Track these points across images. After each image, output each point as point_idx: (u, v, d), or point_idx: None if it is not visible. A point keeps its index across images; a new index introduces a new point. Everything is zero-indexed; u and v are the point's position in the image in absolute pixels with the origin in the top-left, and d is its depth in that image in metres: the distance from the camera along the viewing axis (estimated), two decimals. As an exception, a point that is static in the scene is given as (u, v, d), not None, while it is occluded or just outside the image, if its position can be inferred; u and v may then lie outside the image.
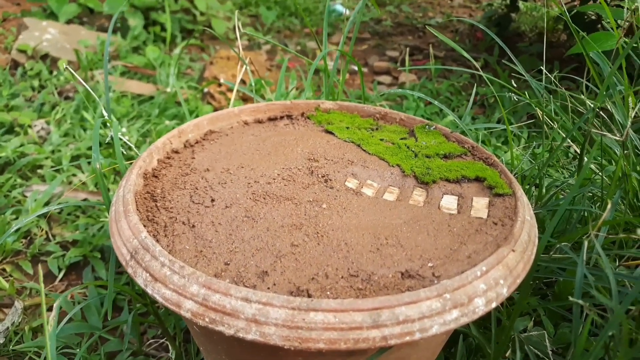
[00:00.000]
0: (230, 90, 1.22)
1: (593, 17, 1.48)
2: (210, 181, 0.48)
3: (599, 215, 0.59)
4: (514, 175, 0.68)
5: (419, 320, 0.33)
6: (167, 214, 0.44)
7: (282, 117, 0.63)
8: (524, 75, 0.73)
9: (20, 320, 0.65)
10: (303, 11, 2.37)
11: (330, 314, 0.32)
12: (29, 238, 0.79)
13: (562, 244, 0.48)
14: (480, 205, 0.46)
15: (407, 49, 1.76)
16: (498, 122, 1.26)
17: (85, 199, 0.86)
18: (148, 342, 0.61)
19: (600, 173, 0.65)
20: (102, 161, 0.86)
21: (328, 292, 0.36)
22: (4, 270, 0.73)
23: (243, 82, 1.26)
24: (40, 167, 0.94)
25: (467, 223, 0.44)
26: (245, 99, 1.24)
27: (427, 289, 0.34)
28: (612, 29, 0.90)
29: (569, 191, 0.67)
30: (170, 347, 0.59)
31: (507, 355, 0.52)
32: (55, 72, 1.32)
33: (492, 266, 0.37)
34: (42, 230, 0.79)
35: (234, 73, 1.26)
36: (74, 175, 0.92)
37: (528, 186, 0.66)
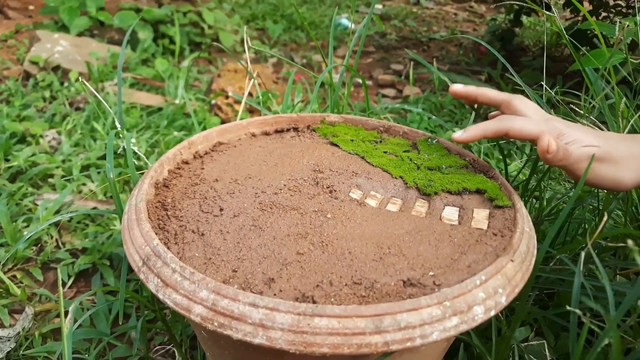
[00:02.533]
0: (238, 102, 1.25)
1: (595, 33, 1.50)
2: (219, 191, 0.50)
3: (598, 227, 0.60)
4: (516, 186, 0.69)
5: (420, 327, 0.34)
6: (178, 223, 0.45)
7: (288, 130, 0.65)
8: (533, 86, 0.75)
9: (30, 325, 0.66)
10: (309, 25, 2.41)
11: (334, 319, 0.34)
12: (39, 245, 0.81)
13: (561, 255, 0.49)
14: (480, 216, 0.48)
15: (412, 62, 1.79)
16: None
17: (94, 208, 0.87)
18: (155, 349, 0.63)
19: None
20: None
21: (332, 299, 0.37)
22: (14, 276, 0.74)
23: (250, 94, 1.28)
24: (51, 176, 0.96)
25: (468, 234, 0.45)
26: (251, 111, 1.26)
27: (428, 296, 0.36)
28: (612, 45, 0.92)
29: (570, 205, 0.68)
30: (176, 354, 0.60)
31: (507, 363, 0.53)
32: (66, 84, 1.35)
33: (491, 275, 0.38)
34: (53, 238, 0.81)
35: (241, 85, 1.28)
36: (84, 184, 0.94)
37: (527, 198, 0.67)
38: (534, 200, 0.71)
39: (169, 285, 0.37)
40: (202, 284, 0.36)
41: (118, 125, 0.54)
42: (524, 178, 0.86)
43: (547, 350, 0.52)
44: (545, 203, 0.66)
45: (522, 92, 0.73)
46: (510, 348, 0.53)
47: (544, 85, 0.69)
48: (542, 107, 0.77)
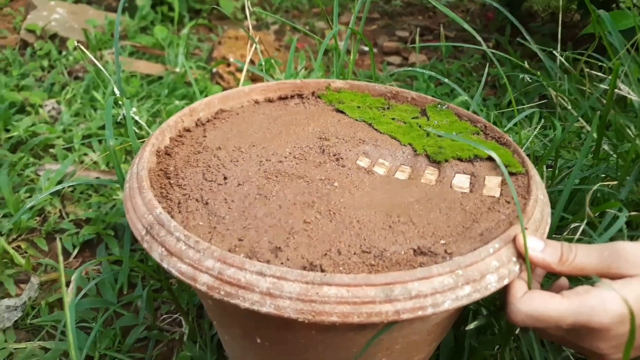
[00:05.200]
0: (239, 70, 1.22)
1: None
2: (223, 159, 0.49)
3: (611, 195, 0.59)
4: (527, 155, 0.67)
5: (432, 296, 0.34)
6: (181, 191, 0.44)
7: (292, 96, 0.63)
8: (537, 55, 0.72)
9: (36, 295, 0.66)
10: (312, -10, 2.34)
11: (344, 288, 0.33)
12: (43, 216, 0.80)
13: (576, 222, 0.48)
14: (492, 184, 0.46)
15: (418, 29, 1.74)
16: (509, 103, 1.24)
17: (97, 178, 0.86)
18: (162, 317, 0.63)
19: (613, 154, 0.65)
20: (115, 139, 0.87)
21: (341, 268, 0.36)
22: (19, 247, 0.74)
23: (252, 62, 1.25)
24: (52, 146, 0.95)
25: (480, 201, 0.44)
26: (254, 79, 1.23)
27: (440, 265, 0.35)
28: (628, 8, 0.88)
29: (580, 171, 0.67)
30: (183, 322, 0.60)
31: (517, 332, 0.52)
32: (64, 52, 1.32)
33: (504, 243, 0.37)
34: (56, 208, 0.80)
35: (243, 53, 1.25)
36: (85, 154, 0.93)
37: (538, 167, 0.66)
38: (545, 168, 0.69)
39: (174, 254, 0.36)
40: (208, 252, 0.35)
41: (117, 92, 0.52)
42: (530, 147, 0.85)
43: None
44: (557, 172, 0.64)
45: (532, 60, 0.71)
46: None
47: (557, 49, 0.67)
48: (555, 73, 0.75)
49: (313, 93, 0.64)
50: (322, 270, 0.35)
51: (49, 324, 0.61)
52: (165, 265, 0.36)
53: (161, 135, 0.50)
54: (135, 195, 0.41)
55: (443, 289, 0.34)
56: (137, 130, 0.92)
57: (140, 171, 0.43)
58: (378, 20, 2.12)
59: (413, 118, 0.57)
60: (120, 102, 0.51)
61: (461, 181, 0.47)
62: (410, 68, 0.79)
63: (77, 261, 0.74)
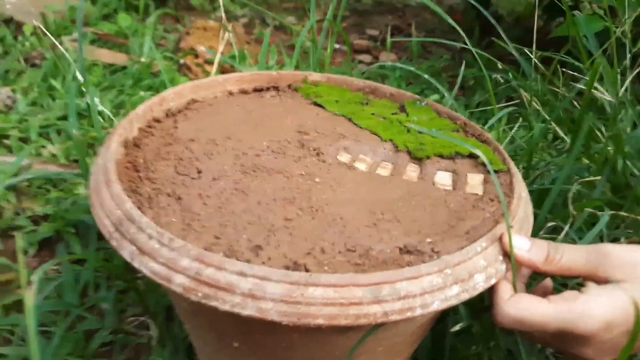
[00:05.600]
0: (208, 62, 1.18)
1: (570, 3, 1.49)
2: (196, 152, 0.46)
3: (584, 195, 0.60)
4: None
5: (421, 296, 0.32)
6: (151, 185, 0.41)
7: (268, 89, 0.61)
8: (506, 58, 0.73)
9: (-12, 297, 0.61)
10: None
11: (330, 289, 0.31)
12: (-4, 212, 0.75)
13: (556, 221, 0.48)
14: (475, 181, 0.46)
15: (388, 27, 1.74)
16: (478, 104, 1.26)
17: (56, 171, 0.81)
18: (128, 320, 0.59)
19: (585, 155, 0.66)
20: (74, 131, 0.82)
21: (326, 267, 0.34)
22: (-32, 245, 0.68)
23: (222, 54, 1.21)
24: (7, 137, 0.89)
25: (464, 199, 0.43)
26: (223, 72, 1.19)
27: (429, 264, 0.33)
28: (594, 12, 0.90)
29: (554, 172, 0.67)
30: (151, 325, 0.57)
31: (496, 331, 0.52)
32: (20, 38, 1.24)
33: (491, 242, 0.36)
34: (11, 203, 0.75)
35: (212, 44, 1.21)
36: (43, 146, 0.87)
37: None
38: (520, 167, 0.70)
39: (146, 252, 0.33)
40: (183, 251, 0.32)
41: (81, 79, 0.48)
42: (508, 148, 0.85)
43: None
44: (530, 172, 0.65)
45: (502, 61, 0.71)
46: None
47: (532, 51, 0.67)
48: (530, 74, 0.76)
49: (289, 86, 0.61)
50: (307, 270, 0.34)
51: (5, 329, 0.57)
52: (136, 264, 0.33)
53: (129, 125, 0.47)
54: (101, 189, 0.38)
55: (432, 289, 0.33)
56: (101, 120, 0.87)
57: (107, 163, 0.40)
58: (348, 18, 2.11)
59: (393, 114, 0.56)
60: (84, 89, 0.48)
61: (443, 178, 0.46)
62: (383, 63, 0.78)
63: (36, 260, 0.69)
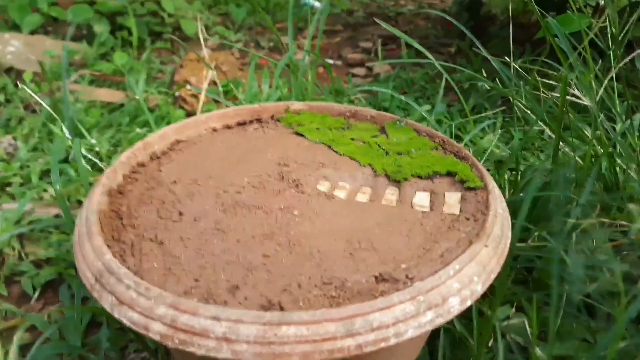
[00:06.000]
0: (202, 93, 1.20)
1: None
2: (178, 194, 0.47)
3: (573, 199, 0.59)
4: (486, 163, 0.68)
5: (394, 325, 0.33)
6: (134, 232, 0.42)
7: (251, 122, 0.62)
8: (500, 58, 0.73)
9: (-5, 345, 0.63)
10: (274, 6, 2.34)
11: (303, 326, 0.32)
12: (1, 259, 0.77)
13: (540, 231, 0.48)
14: (452, 200, 0.46)
15: (379, 40, 1.76)
16: (473, 108, 1.26)
17: (57, 215, 0.83)
18: (130, 357, 0.60)
19: (574, 156, 0.66)
20: (73, 173, 0.84)
21: (301, 303, 0.35)
22: (-24, 294, 0.71)
23: (215, 83, 1.24)
24: (9, 184, 0.91)
25: (440, 220, 0.43)
26: (218, 101, 1.22)
27: (400, 292, 0.34)
28: (579, 9, 0.90)
29: (541, 176, 0.67)
30: (152, 362, 0.58)
31: (489, 345, 0.52)
32: (21, 86, 1.28)
33: (465, 264, 0.37)
34: (15, 250, 0.77)
35: (206, 75, 1.23)
36: (45, 190, 0.90)
37: (500, 172, 0.66)
38: (509, 173, 0.70)
39: (124, 302, 0.34)
40: (159, 299, 0.33)
41: (66, 133, 0.50)
42: (497, 151, 0.85)
43: (527, 326, 0.51)
44: (519, 177, 0.65)
45: (490, 64, 0.72)
46: (492, 329, 0.52)
47: (510, 55, 0.67)
48: (510, 80, 0.76)
49: (272, 117, 0.63)
50: (281, 308, 0.34)
51: (10, 376, 0.58)
52: (116, 315, 0.34)
53: (113, 174, 0.48)
54: (84, 242, 0.39)
55: (405, 317, 0.33)
56: (95, 164, 0.90)
57: (90, 215, 0.41)
58: (342, 33, 2.13)
59: (373, 137, 0.57)
60: (69, 140, 0.49)
61: (421, 199, 0.47)
62: (372, 86, 0.79)
63: (40, 303, 0.71)
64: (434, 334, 0.57)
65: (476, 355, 0.50)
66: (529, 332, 0.51)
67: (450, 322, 0.54)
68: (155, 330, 0.33)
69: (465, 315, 0.58)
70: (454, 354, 0.55)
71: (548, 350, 0.48)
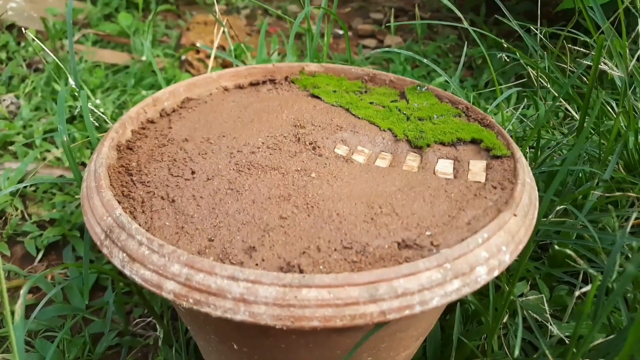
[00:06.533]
0: (210, 57, 1.17)
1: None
2: (190, 152, 0.45)
3: (595, 175, 0.57)
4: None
5: (419, 293, 0.31)
6: (144, 189, 0.41)
7: (264, 82, 0.60)
8: (513, 35, 0.70)
9: (-3, 304, 0.62)
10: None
11: (325, 289, 0.30)
12: (3, 218, 0.75)
13: (563, 204, 0.46)
14: (477, 168, 0.44)
15: (392, 10, 1.71)
16: (486, 84, 1.23)
17: (61, 176, 0.82)
18: (135, 322, 0.59)
19: (596, 132, 0.63)
20: (76, 134, 0.82)
21: (321, 267, 0.33)
22: (-23, 253, 0.69)
23: (223, 48, 1.20)
24: (11, 143, 0.89)
25: (465, 188, 0.41)
26: (225, 66, 1.18)
27: (427, 259, 0.32)
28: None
29: (566, 152, 0.65)
30: (157, 326, 0.56)
31: (504, 321, 0.51)
32: (23, 43, 1.25)
33: (493, 232, 0.35)
34: (17, 209, 0.76)
35: (212, 39, 1.20)
36: (47, 151, 0.88)
37: (521, 147, 0.64)
38: (528, 150, 0.67)
39: (136, 259, 0.33)
40: (173, 257, 0.32)
41: (72, 82, 0.48)
42: (513, 128, 0.83)
43: (545, 304, 0.50)
44: (539, 152, 0.63)
45: (509, 39, 0.69)
46: (508, 305, 0.51)
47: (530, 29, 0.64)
48: (535, 50, 0.73)
49: (286, 78, 0.60)
50: (301, 271, 0.33)
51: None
52: (127, 272, 0.33)
53: (122, 128, 0.46)
54: (92, 196, 0.37)
55: (431, 285, 0.32)
56: (102, 124, 0.87)
57: (98, 168, 0.39)
58: (352, 3, 2.07)
59: (392, 101, 0.55)
60: (76, 94, 0.47)
61: (445, 167, 0.45)
62: (386, 49, 0.76)
63: (43, 265, 0.69)
64: (447, 308, 0.55)
65: (491, 330, 0.48)
66: (547, 309, 0.49)
67: (465, 297, 0.53)
68: (169, 289, 0.31)
69: (478, 290, 0.56)
70: (466, 329, 0.54)
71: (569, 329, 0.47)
